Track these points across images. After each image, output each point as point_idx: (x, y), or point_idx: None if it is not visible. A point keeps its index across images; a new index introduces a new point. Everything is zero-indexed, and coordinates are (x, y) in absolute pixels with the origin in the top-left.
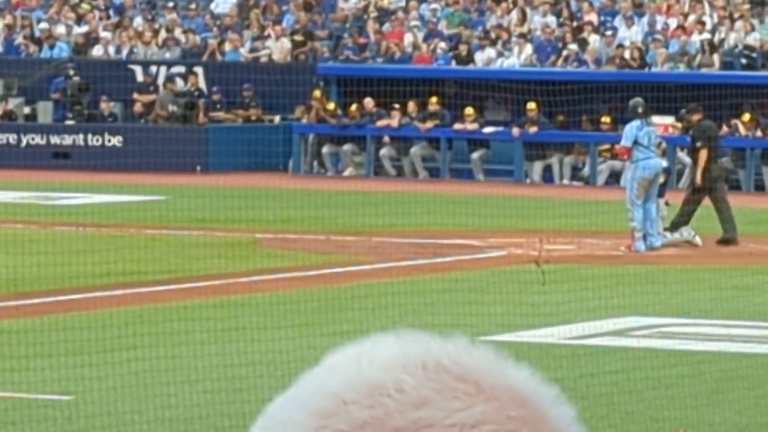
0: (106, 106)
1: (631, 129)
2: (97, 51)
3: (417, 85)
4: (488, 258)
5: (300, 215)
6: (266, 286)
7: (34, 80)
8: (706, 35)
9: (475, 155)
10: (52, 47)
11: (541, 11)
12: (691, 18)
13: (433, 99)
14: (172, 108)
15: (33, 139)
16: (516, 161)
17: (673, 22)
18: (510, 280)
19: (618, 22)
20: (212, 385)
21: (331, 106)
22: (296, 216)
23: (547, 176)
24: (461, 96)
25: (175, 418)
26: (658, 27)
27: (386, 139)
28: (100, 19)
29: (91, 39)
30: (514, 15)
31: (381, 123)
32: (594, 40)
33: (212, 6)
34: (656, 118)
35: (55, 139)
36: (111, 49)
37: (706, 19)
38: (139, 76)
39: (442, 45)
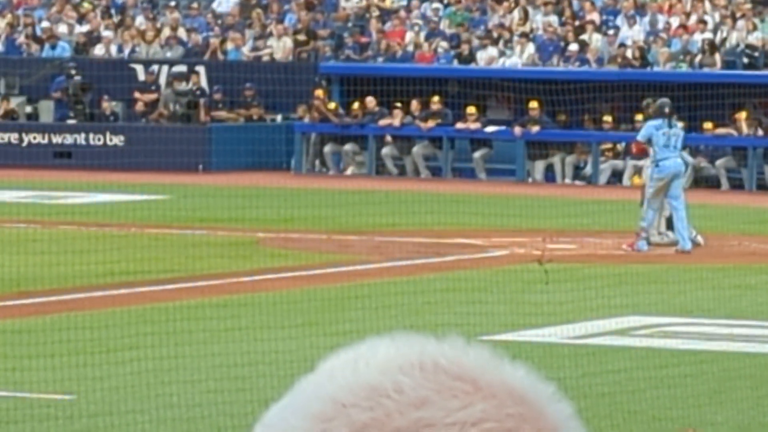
0: (107, 105)
1: (648, 127)
2: (98, 50)
3: (419, 85)
4: (490, 257)
5: (302, 214)
6: (268, 285)
7: (35, 79)
8: (708, 34)
9: (477, 154)
10: (53, 46)
11: (543, 10)
12: (693, 17)
13: (435, 98)
14: (173, 107)
15: (35, 138)
16: (518, 160)
17: (675, 22)
18: (512, 280)
19: (620, 21)
20: (214, 385)
21: (333, 105)
22: (298, 215)
23: (549, 175)
24: (463, 95)
25: (177, 418)
26: (660, 26)
27: (388, 138)
28: (102, 18)
29: (92, 38)
30: (516, 14)
31: (383, 122)
32: (596, 39)
33: (214, 5)
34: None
35: (56, 139)
36: (113, 49)
37: (708, 18)
38: (141, 76)
39: (444, 44)
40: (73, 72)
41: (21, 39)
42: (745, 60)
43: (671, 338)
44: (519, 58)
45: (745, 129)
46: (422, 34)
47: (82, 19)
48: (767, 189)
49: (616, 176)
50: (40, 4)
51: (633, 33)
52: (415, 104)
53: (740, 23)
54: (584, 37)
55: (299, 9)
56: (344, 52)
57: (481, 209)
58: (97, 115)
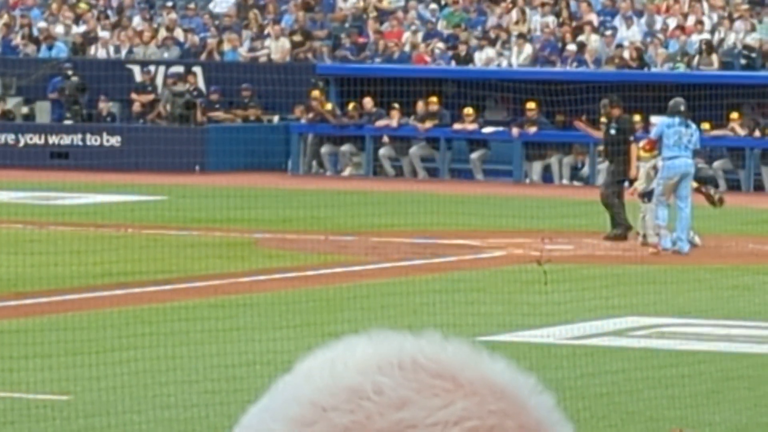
0: (104, 106)
1: (660, 125)
2: (95, 51)
3: (416, 85)
4: (488, 258)
5: (299, 215)
6: (265, 286)
7: (32, 80)
8: (706, 35)
9: (474, 155)
10: (50, 47)
11: (541, 11)
12: (691, 18)
13: (433, 99)
14: (170, 108)
15: (31, 138)
16: (515, 161)
17: (672, 23)
18: (509, 280)
19: (617, 22)
20: (211, 385)
21: (330, 106)
22: (295, 216)
23: (547, 176)
24: (461, 96)
25: (174, 418)
26: (658, 27)
27: (385, 139)
28: (99, 18)
29: (89, 39)
30: (514, 15)
31: (380, 123)
32: (593, 40)
33: (211, 6)
34: (654, 119)
35: (53, 139)
36: (110, 49)
37: (705, 19)
38: (138, 76)
39: (441, 45)
40: (69, 73)
41: (18, 39)
42: (743, 61)
43: (669, 339)
44: (516, 59)
45: (738, 130)
46: (419, 35)
47: (79, 19)
48: (764, 190)
49: None
50: (37, 4)
51: (630, 34)
52: (421, 105)
53: (738, 24)
54: (582, 38)
55: (296, 9)
56: (341, 53)
57: (478, 210)
58: (94, 116)
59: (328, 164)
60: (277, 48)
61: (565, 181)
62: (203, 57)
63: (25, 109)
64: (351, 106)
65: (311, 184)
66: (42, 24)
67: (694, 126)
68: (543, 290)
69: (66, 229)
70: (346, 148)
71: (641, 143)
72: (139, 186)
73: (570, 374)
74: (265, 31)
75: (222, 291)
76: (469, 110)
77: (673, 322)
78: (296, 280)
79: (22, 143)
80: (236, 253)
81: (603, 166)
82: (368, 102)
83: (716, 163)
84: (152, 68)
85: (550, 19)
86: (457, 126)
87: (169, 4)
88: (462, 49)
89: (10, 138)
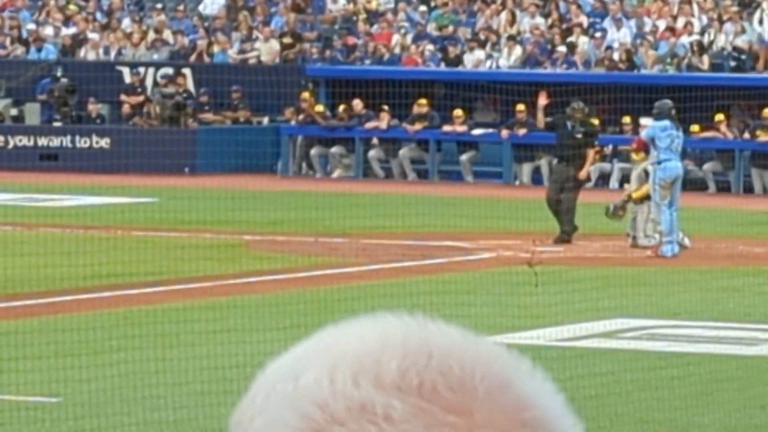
0: (93, 107)
1: (653, 128)
2: (84, 52)
3: (406, 87)
4: (478, 260)
5: (289, 217)
6: (255, 287)
7: (21, 82)
8: (695, 37)
9: (464, 157)
10: (39, 49)
11: (530, 13)
12: (680, 20)
13: (422, 101)
14: (159, 109)
15: (20, 140)
16: (505, 163)
17: (661, 24)
18: (499, 282)
19: (607, 24)
20: (201, 387)
21: (320, 107)
22: (285, 218)
23: (536, 178)
24: (450, 98)
25: (164, 420)
26: (647, 29)
27: (375, 140)
28: (88, 20)
29: (79, 40)
30: (503, 17)
31: (370, 125)
32: (583, 42)
33: (200, 7)
34: (644, 120)
35: (42, 141)
36: (99, 51)
37: (695, 21)
38: (127, 78)
39: (431, 47)
40: (59, 74)
41: (7, 41)
42: (732, 63)
43: (658, 341)
44: (506, 61)
45: (725, 131)
46: (409, 37)
47: (68, 21)
48: (754, 191)
49: (603, 179)
50: (26, 6)
51: (620, 36)
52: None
53: (727, 26)
54: (571, 39)
55: (286, 11)
56: (331, 55)
57: (468, 212)
58: (84, 118)
59: (318, 166)
60: (266, 50)
61: None
62: (193, 59)
63: (14, 111)
64: (341, 107)
65: (301, 185)
66: (31, 26)
67: (680, 129)
68: (533, 292)
69: (55, 231)
70: (335, 149)
71: (631, 144)
72: (129, 188)
73: (559, 376)
74: (255, 33)
75: (212, 293)
76: (458, 112)
77: (663, 323)
78: (286, 281)
79: (11, 145)
80: (226, 254)
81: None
82: (358, 104)
83: (706, 165)
84: (142, 70)
85: (540, 21)
86: (446, 128)
87: (159, 5)
88: (452, 51)
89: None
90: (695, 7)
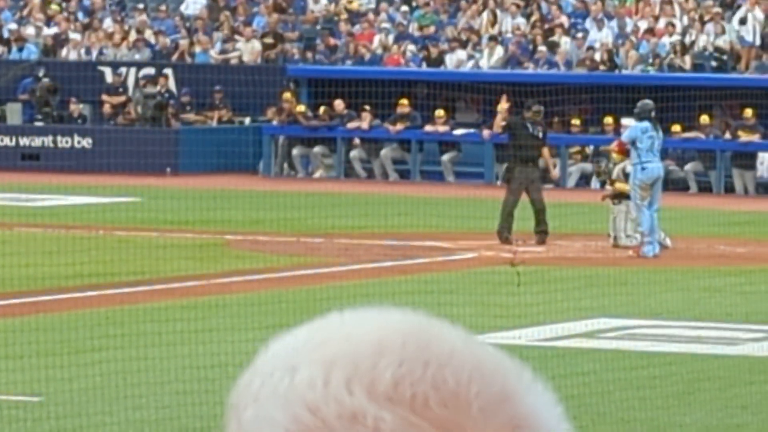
0: (75, 107)
1: (634, 129)
2: (66, 52)
3: (388, 87)
4: (459, 260)
5: (270, 217)
6: (236, 287)
7: (2, 81)
8: (677, 37)
9: (445, 157)
10: (21, 49)
11: (512, 13)
12: (662, 21)
13: (404, 101)
14: (141, 109)
15: (2, 140)
16: (486, 163)
17: (643, 25)
18: (480, 282)
19: (588, 24)
20: (183, 386)
21: (302, 107)
22: (266, 218)
23: None
24: (432, 98)
25: (145, 419)
26: (629, 29)
27: (357, 141)
28: (70, 20)
29: (60, 40)
30: (485, 17)
31: (351, 125)
32: (564, 42)
33: (182, 7)
34: (625, 121)
35: (24, 141)
36: (81, 51)
37: (676, 21)
38: (109, 78)
39: (412, 47)
40: (40, 74)
41: None
42: (714, 63)
43: (639, 340)
44: (487, 61)
45: (706, 132)
46: (391, 37)
47: (50, 21)
48: (735, 192)
49: (585, 179)
50: (8, 5)
51: (601, 36)
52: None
53: (708, 26)
54: (553, 39)
55: (267, 11)
56: (313, 55)
57: (449, 212)
58: (65, 117)
59: (300, 166)
60: (248, 50)
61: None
62: (174, 59)
63: None
64: (322, 108)
65: (283, 185)
66: (13, 25)
67: (659, 130)
68: (514, 292)
69: (37, 231)
70: (317, 149)
71: (612, 145)
72: (111, 188)
73: (540, 376)
74: (237, 33)
75: (194, 292)
76: (440, 112)
77: (644, 323)
78: (268, 281)
79: None
80: (208, 254)
81: (574, 168)
82: (339, 104)
83: (687, 166)
84: (123, 70)
85: (521, 21)
86: (428, 128)
87: (140, 5)
88: (433, 51)
89: None
90: (677, 7)
